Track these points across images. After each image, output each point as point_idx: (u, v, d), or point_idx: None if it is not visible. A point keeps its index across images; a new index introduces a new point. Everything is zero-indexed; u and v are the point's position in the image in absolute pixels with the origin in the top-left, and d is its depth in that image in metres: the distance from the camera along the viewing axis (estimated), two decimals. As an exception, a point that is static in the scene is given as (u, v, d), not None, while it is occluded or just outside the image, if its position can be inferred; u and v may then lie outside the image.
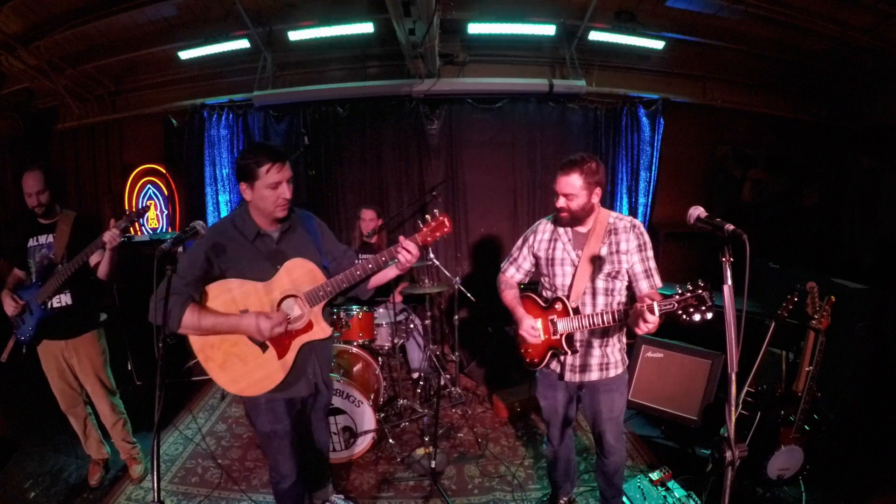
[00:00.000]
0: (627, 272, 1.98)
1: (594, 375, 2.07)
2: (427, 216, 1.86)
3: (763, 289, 3.41)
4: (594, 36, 4.23)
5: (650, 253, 1.97)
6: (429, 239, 1.84)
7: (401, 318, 3.82)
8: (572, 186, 1.91)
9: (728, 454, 1.26)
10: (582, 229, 2.03)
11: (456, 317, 3.91)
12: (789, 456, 2.40)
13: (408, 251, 1.82)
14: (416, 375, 4.04)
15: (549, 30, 4.19)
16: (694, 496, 2.47)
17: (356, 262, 1.97)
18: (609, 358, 2.07)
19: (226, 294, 1.80)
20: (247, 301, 1.81)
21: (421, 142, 4.78)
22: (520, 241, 2.24)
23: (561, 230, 2.08)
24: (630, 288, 2.02)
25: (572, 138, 4.77)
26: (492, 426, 3.47)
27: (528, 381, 3.88)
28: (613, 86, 4.77)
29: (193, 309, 1.73)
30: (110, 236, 2.23)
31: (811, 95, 4.98)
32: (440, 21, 3.49)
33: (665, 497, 2.45)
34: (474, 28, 4.15)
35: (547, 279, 2.13)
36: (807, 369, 2.36)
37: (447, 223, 1.83)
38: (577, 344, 2.04)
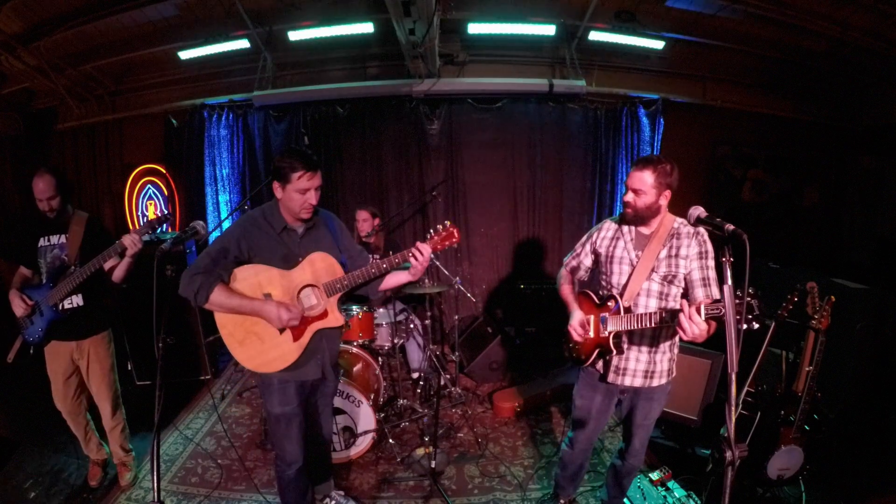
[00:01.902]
0: (685, 278, 1.94)
1: (638, 381, 2.03)
2: (438, 226, 1.98)
3: (763, 289, 3.39)
4: (594, 36, 4.23)
5: (711, 262, 1.92)
6: (438, 247, 1.98)
7: (401, 318, 3.82)
8: (643, 182, 1.89)
9: (728, 454, 1.26)
10: (645, 230, 2.01)
11: (456, 317, 3.91)
12: (789, 456, 2.40)
13: (421, 254, 1.95)
14: (416, 375, 4.04)
15: (549, 30, 4.19)
16: (694, 496, 2.47)
17: (369, 261, 2.10)
18: (656, 366, 2.02)
19: (251, 278, 1.96)
20: (270, 286, 1.96)
21: (421, 142, 4.77)
22: (584, 238, 2.24)
23: (625, 229, 2.06)
24: (686, 296, 1.97)
25: (572, 138, 4.77)
26: (492, 426, 3.47)
27: (527, 381, 3.89)
28: (613, 86, 4.77)
29: (222, 288, 1.88)
30: (131, 241, 2.22)
31: (811, 95, 4.98)
32: (440, 21, 3.48)
33: (665, 497, 2.45)
34: (474, 28, 4.15)
35: (604, 277, 2.11)
36: (807, 369, 2.36)
37: (456, 234, 1.97)
38: (625, 345, 2.01)
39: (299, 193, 1.91)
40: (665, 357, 2.04)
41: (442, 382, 3.74)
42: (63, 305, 2.43)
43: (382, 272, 2.02)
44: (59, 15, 3.84)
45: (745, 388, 2.51)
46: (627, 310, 1.94)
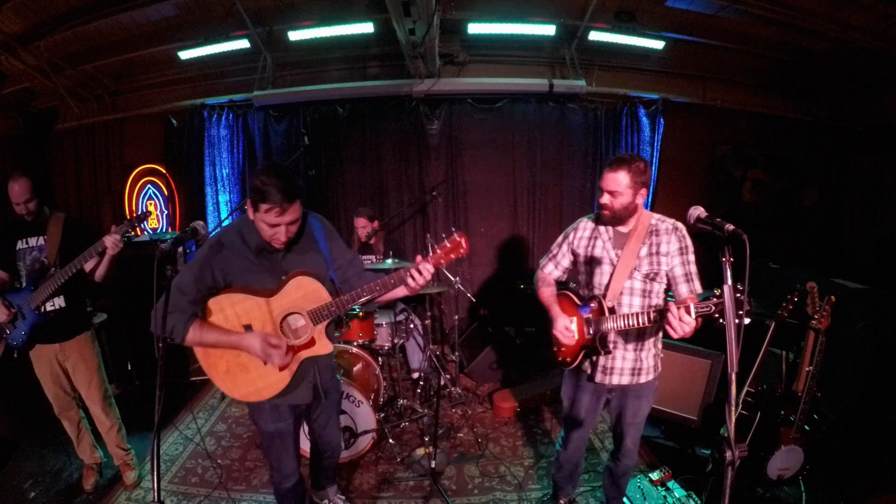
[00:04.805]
0: (667, 275, 1.94)
1: (625, 379, 2.03)
2: (443, 235, 1.72)
3: (763, 289, 3.41)
4: (594, 36, 4.23)
5: (692, 257, 1.92)
6: (443, 261, 1.71)
7: (401, 318, 3.82)
8: (618, 184, 1.87)
9: (728, 454, 1.26)
10: (623, 229, 1.99)
11: (456, 317, 3.91)
12: (789, 456, 2.40)
13: (420, 274, 1.70)
14: (416, 375, 4.04)
15: (548, 30, 4.19)
16: (694, 496, 2.47)
17: (363, 271, 1.99)
18: (642, 363, 2.02)
19: (228, 309, 1.79)
20: (249, 316, 1.80)
21: (421, 142, 4.77)
22: (560, 238, 2.22)
23: (602, 229, 2.05)
24: (668, 292, 1.98)
25: (572, 138, 4.77)
26: (492, 426, 3.47)
27: (527, 381, 3.89)
28: (613, 86, 4.77)
29: (197, 325, 1.74)
30: (112, 242, 2.20)
31: (811, 95, 4.98)
32: (440, 21, 3.48)
33: (665, 497, 2.45)
34: (474, 28, 4.15)
35: (584, 277, 2.10)
36: (807, 369, 2.36)
37: (464, 244, 1.69)
38: (611, 345, 1.99)
39: (267, 226, 1.69)
40: (650, 354, 2.04)
41: (442, 382, 3.74)
42: (45, 308, 2.41)
43: (375, 294, 1.80)
44: (59, 15, 3.83)
45: (745, 388, 2.51)
46: (612, 310, 1.94)
